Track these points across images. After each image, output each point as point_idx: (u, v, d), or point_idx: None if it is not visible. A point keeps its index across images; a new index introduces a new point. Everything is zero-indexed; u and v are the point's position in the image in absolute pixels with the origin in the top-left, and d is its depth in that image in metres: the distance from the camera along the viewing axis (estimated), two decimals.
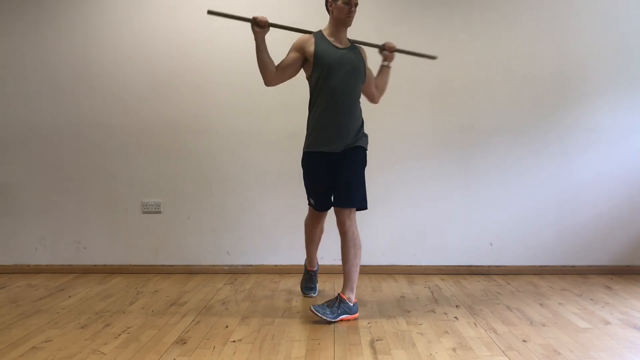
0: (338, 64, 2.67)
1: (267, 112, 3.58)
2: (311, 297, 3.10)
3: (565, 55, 3.53)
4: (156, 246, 3.70)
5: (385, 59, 2.86)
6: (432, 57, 2.87)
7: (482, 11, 3.53)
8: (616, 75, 3.52)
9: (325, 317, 2.60)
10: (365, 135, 2.81)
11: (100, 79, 3.65)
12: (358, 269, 2.75)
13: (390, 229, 3.62)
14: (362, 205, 2.79)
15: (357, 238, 2.74)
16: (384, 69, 2.87)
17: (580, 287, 3.28)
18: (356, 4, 2.69)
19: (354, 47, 2.78)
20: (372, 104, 2.94)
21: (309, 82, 2.78)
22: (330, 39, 2.73)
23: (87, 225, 3.72)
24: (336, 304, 2.66)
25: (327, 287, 3.31)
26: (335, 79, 2.66)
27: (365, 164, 2.81)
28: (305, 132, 2.83)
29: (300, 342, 2.37)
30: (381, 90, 2.88)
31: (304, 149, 2.82)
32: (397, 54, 2.87)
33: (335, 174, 2.75)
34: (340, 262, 2.83)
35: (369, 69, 2.84)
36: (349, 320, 2.65)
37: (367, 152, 2.82)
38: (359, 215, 3.49)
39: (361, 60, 2.77)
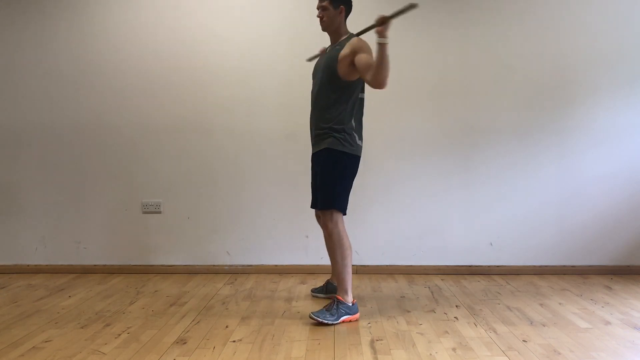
0: (314, 73, 2.87)
1: (267, 112, 3.58)
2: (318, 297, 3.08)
3: (565, 55, 3.52)
4: (156, 246, 3.70)
5: (378, 35, 2.48)
6: (413, 6, 2.42)
7: (483, 11, 3.52)
8: (616, 76, 3.52)
9: (325, 321, 2.58)
10: (336, 138, 2.67)
11: (100, 79, 3.65)
12: (349, 270, 2.72)
13: (390, 229, 3.62)
14: (327, 207, 2.71)
15: (342, 239, 2.71)
16: (377, 47, 2.47)
17: (580, 287, 3.28)
18: (319, 8, 2.74)
19: (335, 46, 2.73)
20: (381, 91, 2.60)
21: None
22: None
23: (87, 225, 3.72)
24: (334, 306, 2.64)
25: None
26: (312, 87, 2.85)
27: (333, 166, 2.69)
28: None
29: (300, 342, 2.37)
30: (373, 71, 2.48)
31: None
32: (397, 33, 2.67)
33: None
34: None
35: (362, 57, 2.57)
36: (350, 321, 2.64)
37: (360, 153, 2.75)
38: (359, 214, 3.51)
39: (332, 59, 2.67)
